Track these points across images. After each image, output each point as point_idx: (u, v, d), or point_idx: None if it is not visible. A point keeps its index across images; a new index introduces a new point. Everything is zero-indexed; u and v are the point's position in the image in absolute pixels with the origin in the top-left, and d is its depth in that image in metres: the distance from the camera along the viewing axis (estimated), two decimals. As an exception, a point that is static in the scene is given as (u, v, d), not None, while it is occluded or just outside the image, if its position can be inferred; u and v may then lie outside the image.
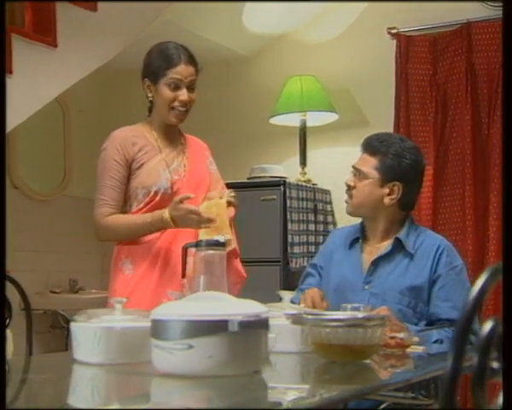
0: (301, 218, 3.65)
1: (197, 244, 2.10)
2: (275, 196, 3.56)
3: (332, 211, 3.91)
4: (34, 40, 2.98)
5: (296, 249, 3.58)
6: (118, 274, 2.52)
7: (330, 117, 3.92)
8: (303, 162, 3.90)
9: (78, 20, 3.14)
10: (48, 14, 3.03)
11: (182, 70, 2.48)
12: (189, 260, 2.22)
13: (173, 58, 2.49)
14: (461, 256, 2.42)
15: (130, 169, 2.51)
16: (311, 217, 3.73)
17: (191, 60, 2.52)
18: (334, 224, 3.91)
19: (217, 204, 2.48)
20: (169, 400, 1.33)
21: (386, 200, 2.38)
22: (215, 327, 1.32)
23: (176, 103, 2.50)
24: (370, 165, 2.39)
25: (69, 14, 3.10)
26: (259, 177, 3.73)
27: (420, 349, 1.88)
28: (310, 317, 1.60)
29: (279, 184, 3.58)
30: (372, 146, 2.41)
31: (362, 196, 2.39)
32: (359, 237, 2.44)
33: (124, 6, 3.28)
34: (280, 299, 1.92)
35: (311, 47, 4.18)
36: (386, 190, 2.37)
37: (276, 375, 1.57)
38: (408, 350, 1.84)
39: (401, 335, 1.83)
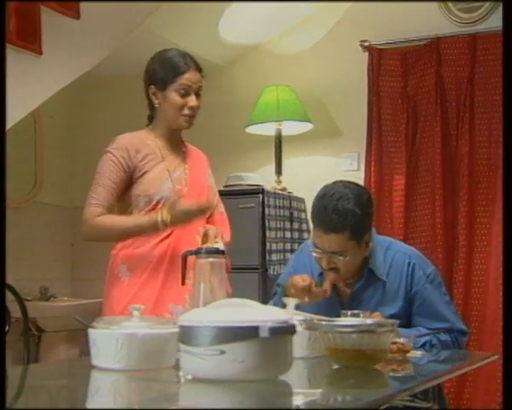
0: (278, 226, 3.72)
1: (197, 252, 2.14)
2: (253, 204, 3.62)
3: (306, 219, 3.98)
4: (19, 47, 2.97)
5: (274, 257, 3.65)
6: (114, 281, 2.52)
7: (305, 127, 4.00)
8: (278, 171, 3.97)
9: (61, 28, 3.14)
10: (33, 22, 3.03)
11: (191, 76, 2.52)
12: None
13: (182, 65, 2.52)
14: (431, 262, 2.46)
15: (131, 177, 2.51)
16: (288, 225, 3.80)
17: (198, 66, 2.56)
18: (309, 231, 3.98)
19: None
20: (200, 402, 1.37)
21: (365, 251, 2.34)
22: (246, 333, 1.37)
23: (185, 110, 2.53)
24: (343, 241, 2.25)
25: (53, 21, 3.10)
26: (236, 185, 3.78)
27: (419, 354, 1.96)
28: (324, 323, 1.66)
29: (258, 192, 3.64)
30: (336, 224, 2.24)
31: (348, 268, 2.31)
32: None
33: (107, 13, 3.29)
34: (284, 306, 1.98)
35: (285, 58, 4.26)
36: (364, 245, 2.32)
37: (289, 380, 1.62)
38: (407, 355, 1.92)
39: (401, 340, 1.90)
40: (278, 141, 3.98)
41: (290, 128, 4.01)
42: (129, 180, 2.52)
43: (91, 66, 3.29)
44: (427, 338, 2.24)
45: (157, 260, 2.51)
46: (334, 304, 2.35)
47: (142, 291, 2.49)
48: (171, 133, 2.60)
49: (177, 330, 1.62)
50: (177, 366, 1.60)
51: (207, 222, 2.59)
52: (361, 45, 4.06)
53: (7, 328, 2.08)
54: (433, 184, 3.87)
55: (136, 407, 1.34)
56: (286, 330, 1.40)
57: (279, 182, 3.96)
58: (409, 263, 2.34)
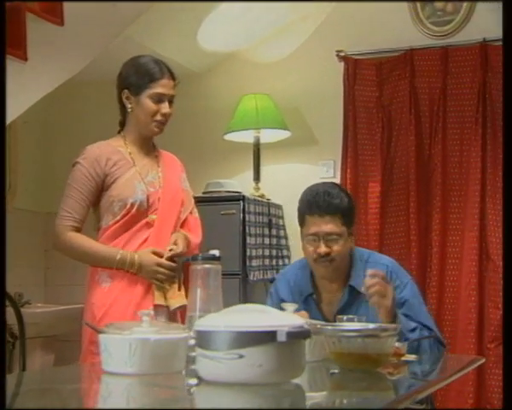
0: (258, 232, 3.77)
1: (193, 258, 2.18)
2: (234, 211, 3.66)
3: (284, 225, 4.04)
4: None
5: (254, 262, 3.70)
6: (94, 287, 2.54)
7: (283, 134, 4.06)
8: (257, 178, 4.02)
9: (46, 34, 3.14)
10: (18, 28, 3.02)
11: (165, 84, 2.56)
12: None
13: (157, 72, 2.57)
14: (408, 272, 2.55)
15: (102, 184, 2.54)
16: (266, 231, 3.85)
17: (172, 74, 2.61)
18: (286, 238, 4.04)
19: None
20: (219, 404, 1.41)
21: (352, 244, 2.45)
22: (264, 337, 1.41)
23: (158, 116, 2.57)
24: (338, 224, 2.37)
25: (38, 27, 3.10)
26: (216, 191, 3.82)
27: (412, 357, 2.02)
28: (329, 327, 1.71)
29: (238, 198, 3.69)
30: (330, 205, 2.37)
31: (342, 257, 2.40)
32: (313, 293, 2.45)
33: (90, 20, 3.30)
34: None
35: (262, 66, 4.31)
36: (350, 239, 2.43)
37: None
38: (402, 359, 1.98)
39: (397, 344, 1.96)
40: (257, 148, 4.04)
41: (268, 136, 4.06)
42: (101, 189, 2.55)
43: (75, 72, 3.30)
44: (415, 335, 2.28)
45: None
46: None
47: (122, 297, 2.52)
48: (142, 138, 2.63)
49: (187, 335, 1.67)
50: (188, 371, 1.64)
51: (181, 226, 2.64)
52: (337, 55, 4.14)
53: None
54: (407, 191, 3.97)
55: (161, 407, 1.37)
56: (302, 335, 1.44)
57: (257, 189, 4.01)
58: (386, 273, 2.38)
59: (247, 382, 1.42)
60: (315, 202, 2.37)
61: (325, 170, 4.17)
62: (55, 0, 3.19)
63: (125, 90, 2.59)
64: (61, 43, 3.21)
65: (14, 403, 1.43)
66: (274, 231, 3.93)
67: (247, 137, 4.05)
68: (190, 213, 2.73)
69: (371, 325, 1.80)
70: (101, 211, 2.56)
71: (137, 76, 2.57)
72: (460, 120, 3.95)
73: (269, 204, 3.94)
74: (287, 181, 4.08)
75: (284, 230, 4.04)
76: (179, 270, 2.31)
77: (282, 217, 4.05)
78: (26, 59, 3.02)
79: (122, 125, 2.68)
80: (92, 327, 1.72)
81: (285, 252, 4.01)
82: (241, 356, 1.41)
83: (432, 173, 3.97)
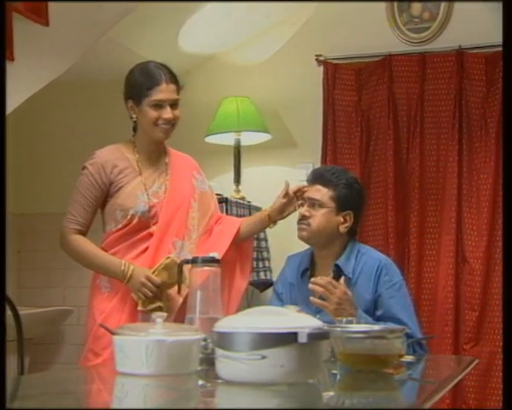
0: (240, 234, 3.80)
1: (193, 261, 2.23)
2: (217, 213, 3.69)
3: (263, 228, 4.09)
4: (-9, 53, 2.95)
5: (236, 264, 3.73)
6: (95, 291, 2.61)
7: (263, 137, 4.12)
8: (237, 180, 4.07)
9: (31, 35, 3.15)
10: (5, 28, 3.02)
11: (163, 89, 2.57)
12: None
13: (154, 78, 2.58)
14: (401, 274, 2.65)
15: (108, 191, 2.60)
16: (247, 233, 3.89)
17: (172, 78, 2.62)
18: (266, 240, 4.10)
19: (167, 266, 2.54)
20: (240, 404, 1.46)
21: (341, 228, 2.57)
22: (286, 339, 1.47)
23: (160, 121, 2.59)
24: (325, 195, 2.57)
25: (23, 28, 3.10)
26: (197, 194, 3.85)
27: (410, 358, 2.10)
28: (338, 329, 1.78)
29: (221, 201, 3.72)
30: (324, 177, 2.60)
31: (319, 225, 2.55)
32: (308, 268, 2.60)
33: (75, 20, 3.31)
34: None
35: (241, 69, 4.37)
36: (341, 219, 2.57)
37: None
38: (401, 359, 2.05)
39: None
40: (237, 151, 4.08)
41: (248, 138, 4.11)
42: (106, 195, 2.61)
43: (59, 73, 3.31)
44: None
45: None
46: (308, 302, 2.45)
47: (119, 303, 2.58)
48: (150, 146, 2.66)
49: (200, 336, 1.72)
50: (202, 371, 1.69)
51: (207, 234, 2.68)
52: (316, 59, 4.21)
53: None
54: (385, 195, 4.06)
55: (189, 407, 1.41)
56: (322, 336, 1.51)
57: (238, 191, 4.06)
58: (378, 266, 2.53)
59: (269, 382, 1.48)
60: (314, 173, 2.66)
61: (304, 173, 4.21)
62: (40, 0, 3.20)
63: (129, 100, 2.62)
64: (46, 43, 3.22)
65: (31, 405, 1.45)
66: (254, 234, 3.98)
67: (227, 139, 4.09)
68: (216, 222, 2.76)
69: (377, 327, 1.87)
70: (105, 216, 2.63)
71: (137, 86, 2.60)
72: (437, 126, 4.06)
73: (250, 206, 3.99)
74: (266, 184, 4.12)
75: (264, 231, 4.08)
76: (178, 273, 2.35)
77: (261, 219, 4.09)
78: (12, 59, 3.03)
79: (135, 130, 2.70)
80: (106, 329, 1.75)
81: (265, 254, 4.07)
82: (263, 357, 1.46)
83: (409, 177, 4.07)
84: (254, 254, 3.95)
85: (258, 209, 4.09)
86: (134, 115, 2.61)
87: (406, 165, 4.09)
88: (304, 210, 2.57)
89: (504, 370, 1.44)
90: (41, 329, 4.31)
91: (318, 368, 1.54)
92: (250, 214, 3.98)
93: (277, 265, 4.07)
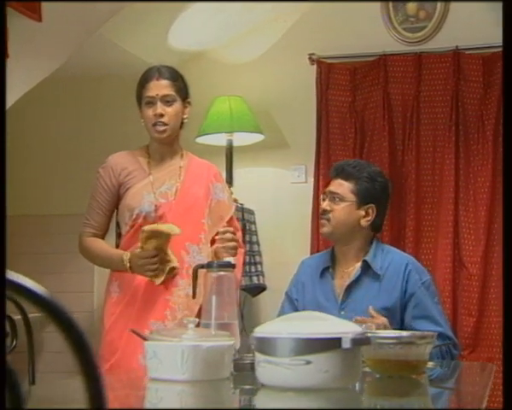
0: (234, 237, 3.86)
1: (208, 265, 2.29)
2: (212, 216, 3.75)
3: (256, 231, 4.16)
4: (-14, 49, 2.97)
5: (230, 269, 3.79)
6: (107, 296, 2.71)
7: (255, 137, 4.19)
8: (229, 181, 4.12)
9: (25, 31, 3.17)
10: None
11: (152, 86, 2.68)
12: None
13: (147, 76, 2.71)
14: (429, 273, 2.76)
15: (118, 194, 2.71)
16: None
17: (163, 74, 2.71)
18: (258, 244, 4.17)
19: (148, 236, 2.59)
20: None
21: (363, 222, 2.67)
22: (331, 344, 1.54)
23: (154, 120, 2.67)
24: (346, 188, 2.67)
25: (16, 24, 3.13)
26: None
27: (430, 365, 2.19)
28: (368, 335, 1.85)
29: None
30: (346, 171, 2.70)
31: (340, 219, 2.65)
32: (329, 266, 2.69)
33: (67, 16, 3.35)
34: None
35: (232, 67, 4.43)
36: (363, 213, 2.67)
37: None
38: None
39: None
40: (229, 152, 4.14)
41: (240, 139, 4.18)
42: (117, 198, 2.72)
43: (51, 70, 3.35)
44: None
45: (140, 277, 2.64)
46: (331, 299, 2.59)
47: (126, 309, 2.65)
48: (161, 148, 2.76)
49: (233, 341, 1.78)
50: (236, 376, 1.76)
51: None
52: (309, 58, 4.29)
53: (14, 342, 2.12)
54: (381, 197, 4.15)
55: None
56: (364, 341, 1.58)
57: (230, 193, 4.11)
58: (407, 265, 2.62)
59: (313, 387, 1.55)
60: (337, 167, 2.73)
61: (296, 175, 4.32)
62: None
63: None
64: (39, 39, 3.25)
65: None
66: (247, 237, 4.05)
67: (219, 139, 4.15)
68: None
69: (405, 333, 1.96)
70: (119, 220, 2.76)
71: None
72: (433, 127, 4.16)
73: (243, 209, 4.05)
74: (258, 186, 4.21)
75: (256, 235, 4.16)
76: (193, 277, 2.41)
77: (254, 222, 4.17)
78: (7, 56, 3.05)
79: None
80: (137, 334, 1.80)
81: (258, 258, 4.14)
82: (308, 362, 1.53)
83: (405, 180, 4.17)
84: (247, 259, 4.02)
85: (250, 212, 4.17)
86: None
87: (401, 167, 4.19)
88: (325, 204, 2.66)
89: (504, 370, 1.52)
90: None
91: (358, 373, 1.61)
92: (243, 217, 4.05)
93: (269, 269, 4.16)
